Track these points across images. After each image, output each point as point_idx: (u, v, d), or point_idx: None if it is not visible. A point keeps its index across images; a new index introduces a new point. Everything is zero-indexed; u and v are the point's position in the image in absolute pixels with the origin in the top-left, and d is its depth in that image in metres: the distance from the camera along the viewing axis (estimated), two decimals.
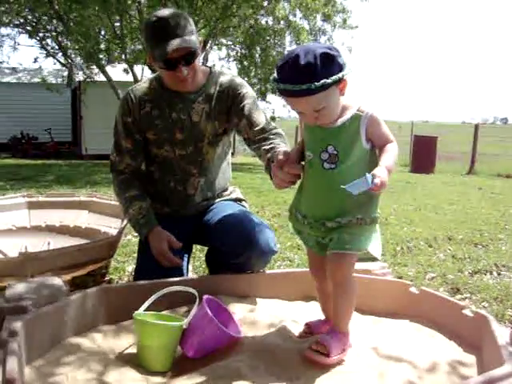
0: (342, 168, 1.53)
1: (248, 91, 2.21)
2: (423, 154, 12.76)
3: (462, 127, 54.14)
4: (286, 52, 14.14)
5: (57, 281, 1.78)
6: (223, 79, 2.22)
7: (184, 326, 1.63)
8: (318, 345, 1.55)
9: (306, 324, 1.77)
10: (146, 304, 1.70)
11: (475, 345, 1.68)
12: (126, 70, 13.65)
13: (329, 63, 1.42)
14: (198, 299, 1.72)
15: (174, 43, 1.95)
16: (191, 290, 1.77)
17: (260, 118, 2.13)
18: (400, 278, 3.05)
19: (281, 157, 1.61)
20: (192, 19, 2.11)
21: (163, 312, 1.81)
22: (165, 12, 2.01)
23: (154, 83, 2.22)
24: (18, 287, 1.69)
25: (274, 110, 15.37)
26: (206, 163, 2.25)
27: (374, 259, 1.62)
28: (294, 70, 1.42)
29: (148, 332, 1.59)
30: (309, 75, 1.40)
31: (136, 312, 1.65)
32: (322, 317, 1.80)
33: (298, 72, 1.41)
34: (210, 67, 2.28)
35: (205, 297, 1.69)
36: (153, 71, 12.18)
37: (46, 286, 1.72)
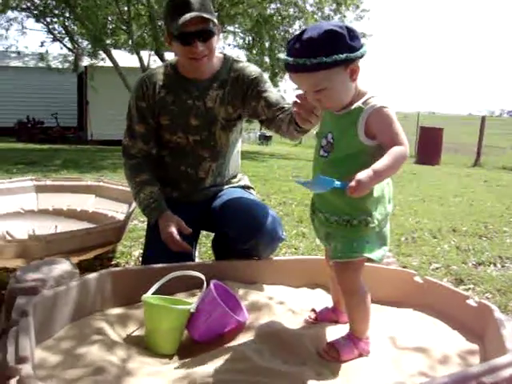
0: (333, 158, 1.47)
1: (263, 76, 2.24)
2: (429, 145, 12.74)
3: (468, 119, 53.92)
4: None
5: (67, 263, 1.80)
6: (237, 65, 2.24)
7: (191, 310, 1.65)
8: (330, 347, 1.55)
9: (313, 310, 1.79)
10: (155, 287, 1.72)
11: (478, 334, 1.69)
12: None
13: (334, 42, 1.33)
14: (205, 284, 1.74)
15: (191, 14, 1.98)
16: (199, 274, 1.79)
17: (277, 99, 2.16)
18: (404, 267, 3.05)
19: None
20: None
21: (171, 296, 1.84)
22: None
23: (169, 69, 2.23)
24: (29, 268, 1.72)
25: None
26: (219, 148, 2.26)
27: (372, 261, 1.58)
28: (295, 44, 1.36)
29: (156, 315, 1.62)
30: (307, 50, 1.33)
31: (144, 295, 1.67)
32: (329, 304, 1.81)
33: (299, 46, 1.35)
34: (224, 54, 2.29)
35: (212, 281, 1.71)
36: (161, 58, 12.17)
37: (56, 267, 1.74)
